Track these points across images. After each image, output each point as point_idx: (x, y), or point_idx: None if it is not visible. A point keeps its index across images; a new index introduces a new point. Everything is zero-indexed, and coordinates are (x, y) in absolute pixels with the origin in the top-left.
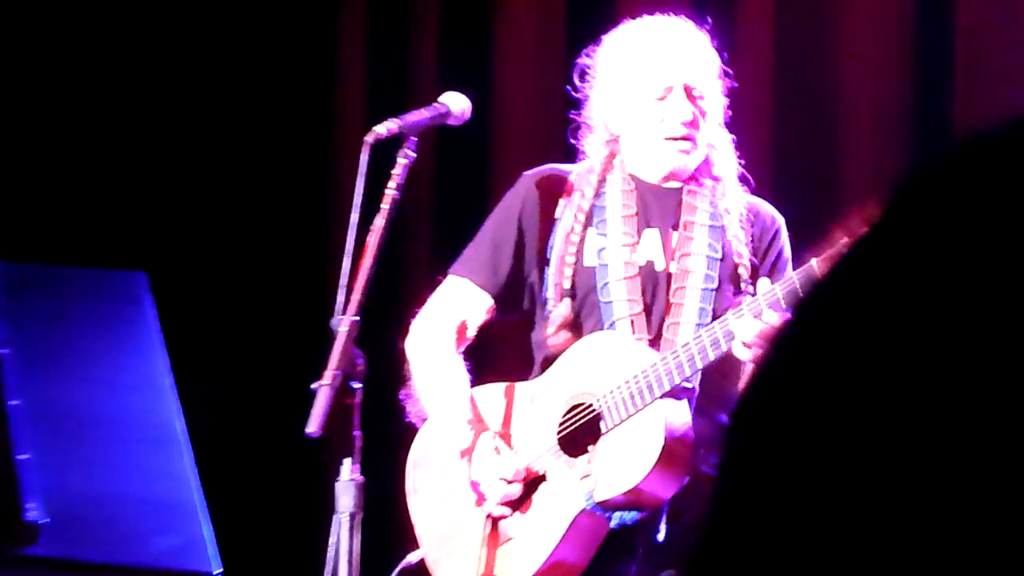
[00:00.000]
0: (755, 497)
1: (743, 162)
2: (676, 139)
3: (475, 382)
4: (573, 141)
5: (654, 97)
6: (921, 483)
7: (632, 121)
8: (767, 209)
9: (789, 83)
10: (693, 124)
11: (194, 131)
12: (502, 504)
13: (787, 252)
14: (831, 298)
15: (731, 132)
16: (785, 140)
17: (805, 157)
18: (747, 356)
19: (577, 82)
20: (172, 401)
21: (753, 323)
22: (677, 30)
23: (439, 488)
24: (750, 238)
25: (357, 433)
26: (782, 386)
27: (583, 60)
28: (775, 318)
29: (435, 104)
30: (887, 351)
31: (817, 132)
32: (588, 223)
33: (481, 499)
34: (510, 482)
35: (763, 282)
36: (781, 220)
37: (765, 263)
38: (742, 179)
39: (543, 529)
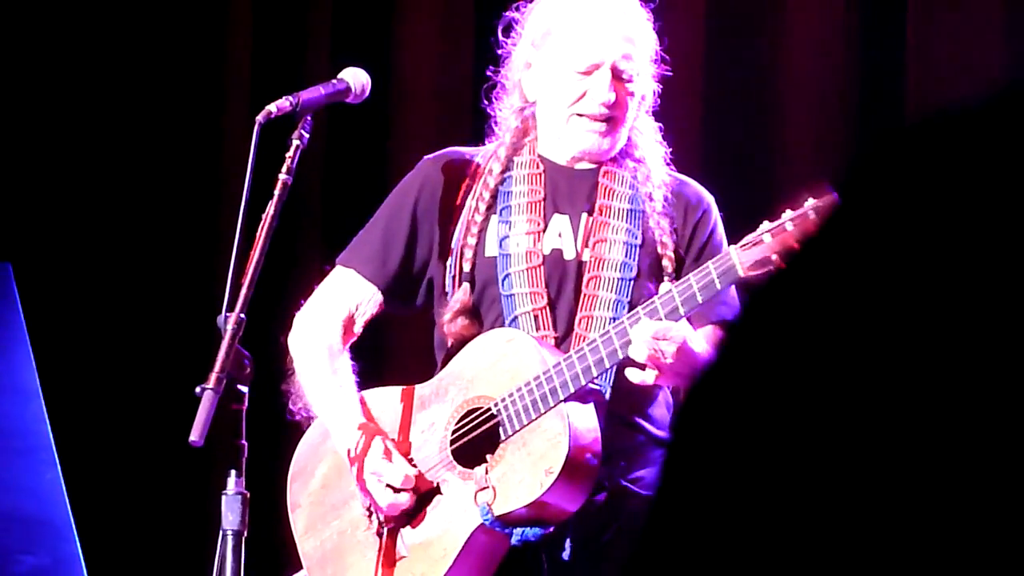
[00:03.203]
0: (701, 510)
1: (671, 151)
2: (591, 118)
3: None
4: (486, 102)
5: (577, 70)
6: (881, 493)
7: (549, 89)
8: (693, 188)
9: (722, 66)
10: (615, 107)
11: (65, 108)
12: (392, 516)
13: (720, 235)
14: (781, 301)
15: (658, 119)
16: (717, 129)
17: (739, 148)
18: (642, 357)
19: (501, 37)
20: (38, 405)
21: (649, 324)
22: (617, 4)
23: (321, 503)
24: (674, 225)
25: (243, 443)
26: (729, 394)
27: (511, 14)
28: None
29: (333, 80)
30: (842, 353)
31: (752, 119)
32: (491, 208)
33: (370, 509)
34: (398, 490)
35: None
36: (710, 199)
37: (692, 248)
38: (667, 164)
39: (438, 547)
